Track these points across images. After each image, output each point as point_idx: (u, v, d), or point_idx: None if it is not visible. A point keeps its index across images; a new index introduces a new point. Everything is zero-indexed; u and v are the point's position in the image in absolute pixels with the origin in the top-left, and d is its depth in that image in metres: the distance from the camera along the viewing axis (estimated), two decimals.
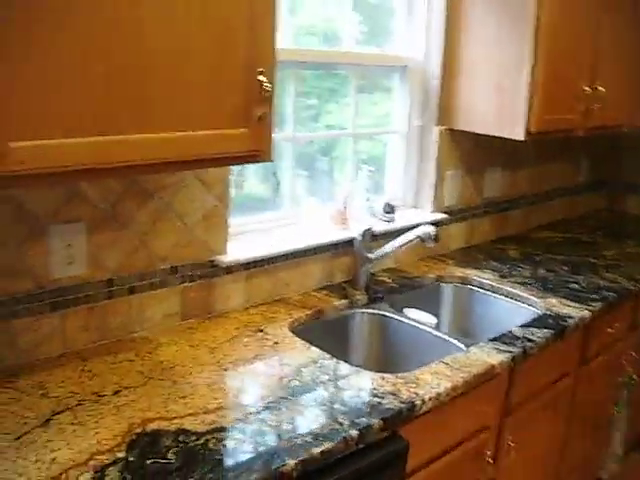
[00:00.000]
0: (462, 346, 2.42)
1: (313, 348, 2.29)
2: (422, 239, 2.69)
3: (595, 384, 3.08)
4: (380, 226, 2.97)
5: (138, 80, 1.66)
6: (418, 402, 1.99)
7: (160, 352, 2.21)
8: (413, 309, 2.81)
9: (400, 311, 2.76)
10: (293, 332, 2.42)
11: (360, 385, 2.08)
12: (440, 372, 2.17)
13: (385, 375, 2.14)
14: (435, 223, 3.11)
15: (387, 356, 2.71)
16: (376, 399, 1.99)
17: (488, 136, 3.08)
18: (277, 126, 2.73)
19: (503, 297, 2.97)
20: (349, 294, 2.77)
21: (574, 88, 3.13)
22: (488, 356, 2.30)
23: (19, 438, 1.69)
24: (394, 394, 2.01)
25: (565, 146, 4.13)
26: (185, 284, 2.42)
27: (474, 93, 3.08)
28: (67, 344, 2.16)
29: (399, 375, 2.14)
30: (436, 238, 2.68)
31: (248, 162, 2.05)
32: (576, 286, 3.04)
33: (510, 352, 2.35)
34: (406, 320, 2.67)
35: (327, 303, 2.69)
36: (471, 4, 3.03)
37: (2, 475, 1.55)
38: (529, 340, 2.46)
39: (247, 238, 2.68)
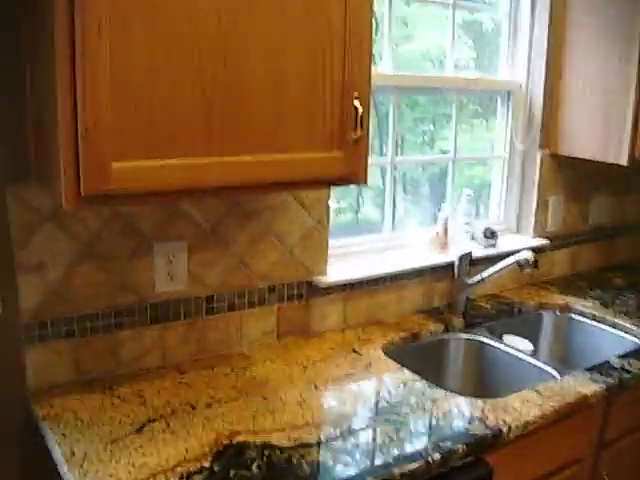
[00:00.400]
0: (556, 374, 2.40)
1: (405, 370, 2.31)
2: (520, 265, 2.67)
3: None
4: (480, 251, 2.96)
5: (237, 100, 1.72)
6: (505, 429, 1.98)
7: (254, 368, 2.28)
8: (511, 335, 2.79)
9: (498, 337, 2.75)
10: (386, 354, 2.45)
11: (448, 409, 2.08)
12: (531, 400, 2.15)
13: (474, 400, 2.14)
14: (536, 249, 3.09)
15: (482, 382, 2.70)
16: (463, 424, 2.00)
17: (592, 162, 3.04)
18: (380, 150, 2.78)
19: (604, 326, 2.91)
20: (446, 319, 2.78)
21: None
22: (582, 386, 2.27)
23: (114, 442, 1.80)
24: (481, 419, 2.01)
25: None
26: (282, 303, 2.50)
27: (578, 118, 3.04)
28: (167, 356, 2.27)
29: (489, 401, 2.13)
30: (535, 264, 2.66)
31: (343, 185, 2.08)
32: None
33: (605, 382, 2.31)
34: (502, 347, 2.65)
35: (423, 327, 2.71)
36: (575, 29, 3.01)
37: (95, 475, 1.65)
38: (627, 371, 2.40)
39: (347, 260, 2.72)
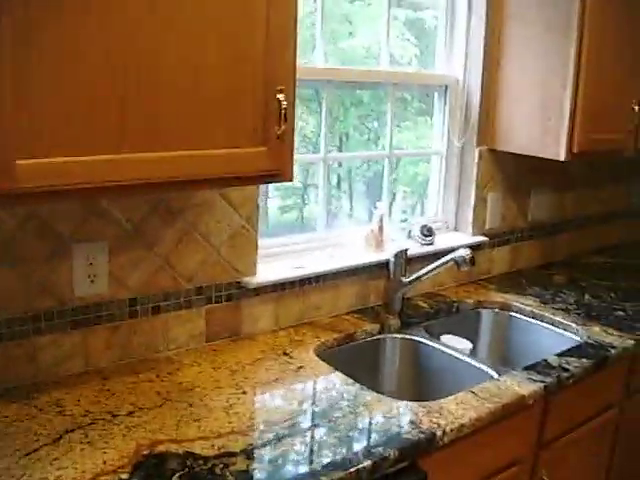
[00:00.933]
0: (495, 374, 2.34)
1: (337, 373, 2.24)
2: (457, 263, 2.61)
3: None
4: (417, 249, 2.90)
5: (152, 97, 1.64)
6: (439, 433, 1.91)
7: (181, 373, 2.19)
8: (449, 335, 2.73)
9: (436, 337, 2.69)
10: (319, 356, 2.37)
11: (380, 413, 2.01)
12: (466, 402, 2.09)
13: (408, 403, 2.07)
14: (475, 246, 3.06)
15: (419, 383, 2.64)
16: (395, 428, 1.92)
17: (533, 157, 3.00)
18: (312, 147, 2.71)
19: (544, 324, 2.87)
20: (382, 319, 2.71)
21: (621, 106, 3.02)
22: (519, 386, 2.21)
23: (28, 455, 1.68)
24: (414, 423, 1.94)
25: (619, 167, 4.00)
26: (211, 305, 2.40)
27: (515, 113, 3.00)
28: (89, 362, 2.16)
29: (422, 404, 2.06)
30: (472, 262, 2.60)
31: (268, 182, 2.04)
32: (622, 314, 2.92)
33: (543, 382, 2.25)
34: (439, 346, 2.59)
35: (358, 327, 2.63)
36: (512, 22, 2.97)
37: None
38: (565, 370, 2.36)
39: (279, 260, 2.64)
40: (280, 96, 1.84)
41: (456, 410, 2.03)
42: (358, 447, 1.81)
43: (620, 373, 2.70)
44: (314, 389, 2.15)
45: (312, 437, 1.86)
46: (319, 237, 2.79)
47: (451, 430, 1.94)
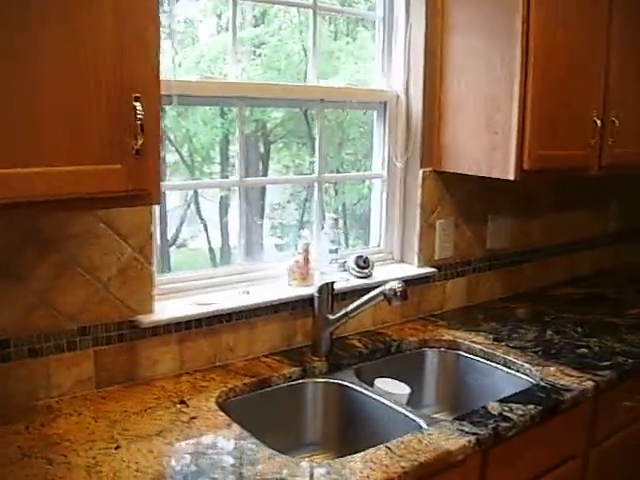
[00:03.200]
0: (424, 425, 2.02)
1: (234, 426, 1.95)
2: (387, 297, 2.31)
3: (615, 467, 2.60)
4: (352, 282, 2.60)
5: None
6: None
7: (55, 424, 1.92)
8: (385, 379, 2.42)
9: (370, 381, 2.39)
10: (221, 405, 2.08)
11: (269, 474, 1.71)
12: (377, 460, 1.79)
13: (305, 463, 1.79)
14: (422, 279, 2.76)
15: (347, 434, 2.34)
16: None
17: (487, 179, 2.70)
18: (225, 170, 2.47)
19: (495, 364, 2.55)
20: (305, 361, 2.40)
21: (580, 120, 2.75)
22: (446, 440, 1.90)
23: None
24: None
25: (590, 191, 3.72)
26: (100, 347, 2.13)
27: (461, 130, 2.72)
28: None
29: (322, 464, 1.79)
30: (403, 295, 2.31)
31: (131, 205, 1.75)
32: (585, 351, 2.61)
33: (476, 435, 1.94)
34: (368, 392, 2.29)
35: (275, 371, 2.33)
36: (454, 32, 2.72)
37: None
38: (506, 419, 2.04)
39: (189, 296, 2.36)
40: (137, 104, 1.60)
41: (362, 470, 1.73)
42: None
43: (581, 419, 2.38)
44: (200, 444, 1.85)
45: None
46: (237, 270, 2.49)
47: None
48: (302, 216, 2.88)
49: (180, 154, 2.80)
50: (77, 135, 1.56)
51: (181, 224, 3.10)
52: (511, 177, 2.57)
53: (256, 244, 2.61)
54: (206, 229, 3.00)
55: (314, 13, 2.56)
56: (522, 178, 2.59)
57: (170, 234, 3.07)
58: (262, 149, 2.83)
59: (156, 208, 2.22)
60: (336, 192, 2.92)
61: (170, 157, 2.74)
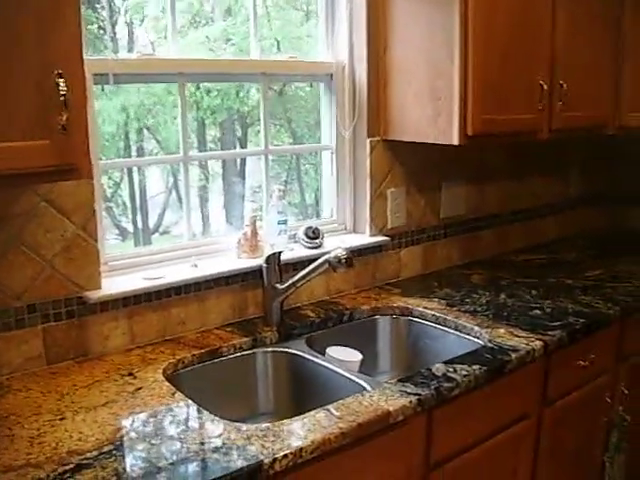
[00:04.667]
0: (369, 388, 2.05)
1: (178, 395, 1.98)
2: (332, 265, 2.34)
3: (570, 427, 2.64)
4: (302, 253, 2.63)
5: None
6: (267, 460, 1.63)
7: (3, 400, 1.95)
8: (337, 346, 2.45)
9: (322, 349, 2.41)
10: (169, 377, 2.11)
11: (206, 438, 1.74)
12: (316, 422, 1.82)
13: (244, 426, 1.80)
14: (375, 248, 2.79)
15: (299, 401, 2.36)
16: (215, 455, 1.66)
17: (438, 146, 2.70)
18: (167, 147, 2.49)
19: (446, 328, 2.58)
20: (256, 331, 2.43)
21: (526, 84, 2.76)
22: (386, 401, 1.93)
23: None
24: (243, 449, 1.67)
25: (549, 157, 3.73)
26: (48, 324, 2.15)
27: (406, 97, 2.74)
28: None
29: (262, 427, 1.80)
30: (348, 262, 2.33)
31: (61, 179, 1.79)
32: (538, 312, 2.64)
33: (418, 395, 1.96)
34: (317, 359, 2.32)
35: (225, 342, 2.36)
36: (394, 2, 2.71)
37: None
38: (449, 379, 2.07)
39: (139, 272, 2.38)
40: (60, 81, 1.63)
41: (300, 432, 1.76)
42: (165, 478, 1.56)
43: (533, 378, 2.41)
44: (143, 413, 1.88)
45: (116, 468, 1.60)
46: (186, 245, 2.52)
47: (284, 456, 1.67)
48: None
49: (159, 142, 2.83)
50: (4, 112, 1.58)
51: (163, 211, 3.11)
52: (455, 142, 2.58)
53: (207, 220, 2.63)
54: (187, 215, 3.01)
55: None
56: (468, 143, 2.60)
57: (152, 221, 3.08)
58: (239, 132, 2.83)
59: (101, 186, 2.24)
60: (290, 165, 2.94)
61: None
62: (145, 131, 2.83)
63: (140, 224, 3.05)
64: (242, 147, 2.92)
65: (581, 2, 2.97)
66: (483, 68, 2.56)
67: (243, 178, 2.85)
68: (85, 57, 1.97)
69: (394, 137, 2.81)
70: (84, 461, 1.63)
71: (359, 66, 2.81)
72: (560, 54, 2.90)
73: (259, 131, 2.68)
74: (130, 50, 2.51)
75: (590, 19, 3.04)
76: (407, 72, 2.72)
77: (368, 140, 2.84)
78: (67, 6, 1.65)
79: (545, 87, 2.82)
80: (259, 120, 2.64)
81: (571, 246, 3.77)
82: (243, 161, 2.80)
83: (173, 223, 2.94)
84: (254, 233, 2.51)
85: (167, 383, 2.06)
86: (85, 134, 1.72)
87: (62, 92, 1.64)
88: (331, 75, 2.82)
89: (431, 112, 2.64)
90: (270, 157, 2.72)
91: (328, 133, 2.88)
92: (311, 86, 2.90)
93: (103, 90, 2.34)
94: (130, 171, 2.92)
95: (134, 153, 2.79)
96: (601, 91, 3.19)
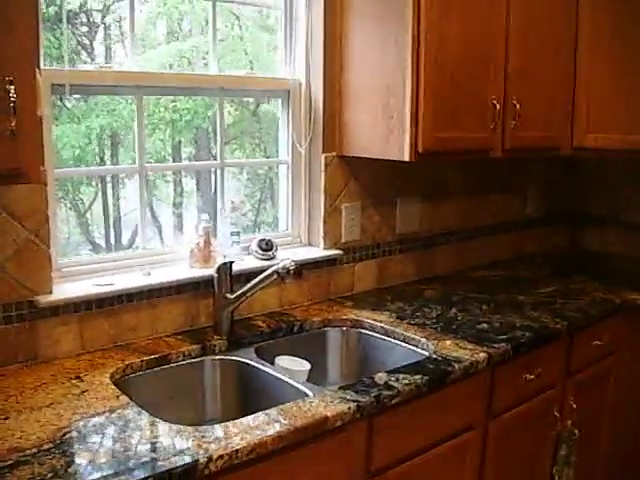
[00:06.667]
0: (310, 394, 2.11)
1: (122, 398, 2.02)
2: (280, 275, 2.40)
3: (517, 440, 2.69)
4: (254, 264, 2.68)
5: None
6: (202, 460, 1.68)
7: None
8: (285, 356, 2.50)
9: (271, 358, 2.46)
10: (116, 381, 2.15)
11: (144, 438, 1.79)
12: (255, 425, 1.87)
13: (183, 427, 1.85)
14: (328, 261, 2.86)
15: (245, 408, 2.40)
16: (152, 454, 1.70)
17: (393, 164, 2.76)
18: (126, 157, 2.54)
19: (395, 340, 2.64)
20: (207, 339, 2.48)
21: (478, 104, 2.84)
22: (325, 406, 1.98)
23: None
24: (179, 449, 1.72)
25: (507, 175, 3.82)
26: None
27: (361, 115, 2.81)
28: None
29: (201, 428, 1.84)
30: (297, 273, 2.39)
31: (9, 183, 1.85)
32: (486, 326, 2.70)
33: (357, 402, 2.01)
34: (264, 368, 2.36)
35: (174, 349, 2.40)
36: (352, 17, 2.81)
37: None
38: (390, 388, 2.12)
39: (92, 279, 2.42)
40: (10, 87, 1.69)
41: (237, 434, 1.81)
42: (101, 475, 1.60)
43: (478, 390, 2.46)
44: (86, 414, 1.91)
45: (54, 465, 1.64)
46: (139, 254, 2.57)
47: (219, 457, 1.71)
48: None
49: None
50: None
51: (136, 229, 3.17)
52: (406, 159, 2.65)
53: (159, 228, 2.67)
54: (160, 231, 3.06)
55: (213, 5, 2.64)
56: (419, 160, 2.67)
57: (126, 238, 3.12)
58: (214, 150, 2.88)
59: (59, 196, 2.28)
60: (264, 184, 3.01)
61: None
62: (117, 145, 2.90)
63: (112, 239, 3.09)
64: None
65: (535, 20, 3.06)
66: (434, 87, 2.63)
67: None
68: (43, 67, 2.06)
69: (349, 153, 2.88)
70: (22, 458, 1.66)
71: (315, 83, 2.89)
72: (514, 73, 2.97)
73: (236, 149, 2.73)
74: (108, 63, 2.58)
75: (545, 37, 3.13)
76: (362, 90, 2.80)
77: (323, 155, 2.91)
78: (19, 21, 1.73)
79: (498, 106, 2.89)
80: (235, 139, 2.70)
81: (528, 264, 3.84)
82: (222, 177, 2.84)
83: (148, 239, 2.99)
84: (207, 243, 2.57)
85: (113, 386, 2.10)
86: (34, 140, 1.79)
87: (12, 98, 1.69)
88: (288, 92, 2.88)
89: (384, 129, 2.70)
90: (227, 170, 2.78)
91: (285, 148, 2.93)
92: (268, 102, 2.95)
93: (61, 100, 2.39)
94: (104, 185, 2.97)
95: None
96: (556, 110, 3.26)
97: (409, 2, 2.56)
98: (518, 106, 2.98)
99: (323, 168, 2.91)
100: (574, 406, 2.92)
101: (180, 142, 3.12)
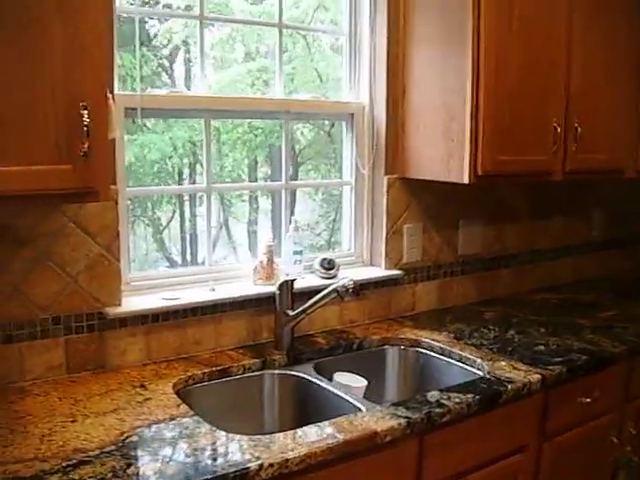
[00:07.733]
0: (364, 409, 2.18)
1: (183, 407, 2.12)
2: (339, 294, 2.47)
3: (572, 464, 2.68)
4: (317, 282, 2.76)
5: None
6: (254, 467, 1.76)
7: (23, 402, 2.12)
8: (343, 373, 2.57)
9: (330, 375, 2.53)
10: (177, 391, 2.26)
11: (200, 445, 1.88)
12: (306, 436, 1.95)
13: (237, 436, 1.94)
14: (388, 281, 2.93)
15: (301, 423, 2.46)
16: (207, 460, 1.80)
17: (457, 186, 2.81)
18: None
19: (451, 360, 2.68)
20: (267, 354, 2.57)
21: (539, 127, 2.86)
22: (376, 422, 2.04)
23: None
24: (233, 456, 1.82)
25: (571, 199, 3.80)
26: (70, 335, 2.32)
27: (422, 138, 2.87)
28: None
29: (254, 437, 1.92)
30: (355, 292, 2.46)
31: (81, 201, 1.99)
32: (542, 348, 2.71)
33: (407, 418, 2.07)
34: (322, 384, 2.43)
35: (236, 362, 2.50)
36: (415, 42, 2.88)
37: None
38: (441, 405, 2.17)
39: (158, 292, 2.55)
40: (84, 112, 1.81)
41: (289, 445, 1.88)
42: (151, 478, 1.70)
43: (531, 412, 2.48)
44: (147, 420, 2.02)
45: (114, 467, 1.74)
46: (205, 270, 2.68)
47: (270, 465, 1.79)
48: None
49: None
50: (32, 139, 1.77)
51: (213, 246, 3.28)
52: (466, 181, 2.70)
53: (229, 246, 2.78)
54: (234, 250, 3.18)
55: (280, 31, 2.75)
56: (478, 182, 2.72)
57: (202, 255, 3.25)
58: (291, 170, 2.98)
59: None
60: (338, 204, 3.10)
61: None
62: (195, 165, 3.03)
63: (189, 256, 3.21)
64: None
65: (600, 40, 3.06)
66: (494, 111, 2.67)
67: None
68: (117, 92, 2.19)
69: (410, 175, 2.95)
70: (86, 458, 1.78)
71: (378, 107, 2.97)
72: (575, 95, 2.98)
73: (311, 169, 2.81)
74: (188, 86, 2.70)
75: (609, 57, 3.13)
76: (423, 114, 2.86)
77: (386, 177, 2.99)
78: (95, 47, 1.85)
79: (559, 129, 2.91)
80: (310, 159, 2.79)
81: (591, 288, 3.80)
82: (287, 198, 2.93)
83: (222, 257, 3.09)
84: (270, 261, 2.66)
85: (174, 396, 2.20)
86: (105, 161, 1.91)
87: (85, 122, 1.81)
88: (352, 115, 2.97)
89: (444, 152, 2.76)
90: (302, 191, 2.90)
91: (348, 169, 3.02)
92: (332, 126, 3.04)
93: (134, 122, 2.51)
94: (182, 203, 3.09)
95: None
96: (619, 132, 3.25)
97: (468, 28, 2.61)
98: (580, 129, 2.99)
99: (385, 190, 2.99)
100: (633, 432, 2.89)
101: (256, 161, 3.23)
